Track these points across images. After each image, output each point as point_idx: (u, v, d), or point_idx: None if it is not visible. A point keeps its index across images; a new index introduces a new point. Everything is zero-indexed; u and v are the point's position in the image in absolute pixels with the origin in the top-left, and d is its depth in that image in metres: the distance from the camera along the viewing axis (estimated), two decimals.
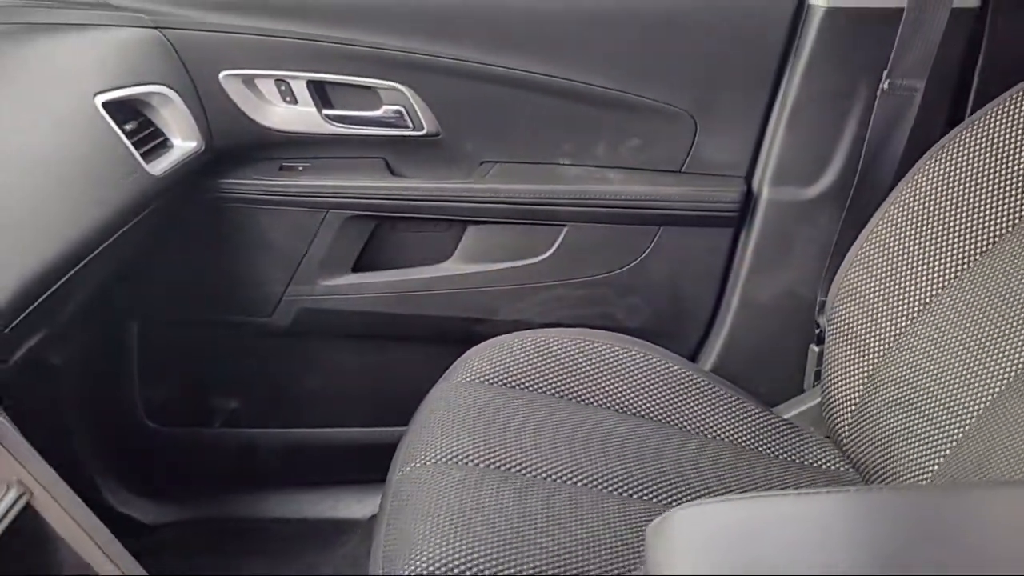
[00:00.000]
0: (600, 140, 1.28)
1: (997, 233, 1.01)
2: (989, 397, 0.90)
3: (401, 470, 0.99)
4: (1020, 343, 0.89)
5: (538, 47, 1.22)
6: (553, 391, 1.09)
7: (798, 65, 1.19)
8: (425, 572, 0.81)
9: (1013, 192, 1.01)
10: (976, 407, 0.90)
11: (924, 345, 1.00)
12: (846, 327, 1.10)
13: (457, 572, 0.81)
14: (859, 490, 1.01)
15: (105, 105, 1.04)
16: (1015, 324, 0.91)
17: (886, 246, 1.08)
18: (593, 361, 1.13)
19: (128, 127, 1.08)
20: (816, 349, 1.24)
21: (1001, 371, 0.91)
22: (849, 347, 1.09)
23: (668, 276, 1.33)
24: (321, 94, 1.26)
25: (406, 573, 0.82)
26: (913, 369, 0.99)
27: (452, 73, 1.23)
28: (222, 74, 1.21)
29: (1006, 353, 0.90)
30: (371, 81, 1.24)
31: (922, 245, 1.05)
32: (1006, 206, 1.02)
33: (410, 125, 1.26)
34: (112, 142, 1.03)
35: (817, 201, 1.25)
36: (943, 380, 0.96)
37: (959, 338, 0.96)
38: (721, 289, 1.33)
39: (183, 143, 1.18)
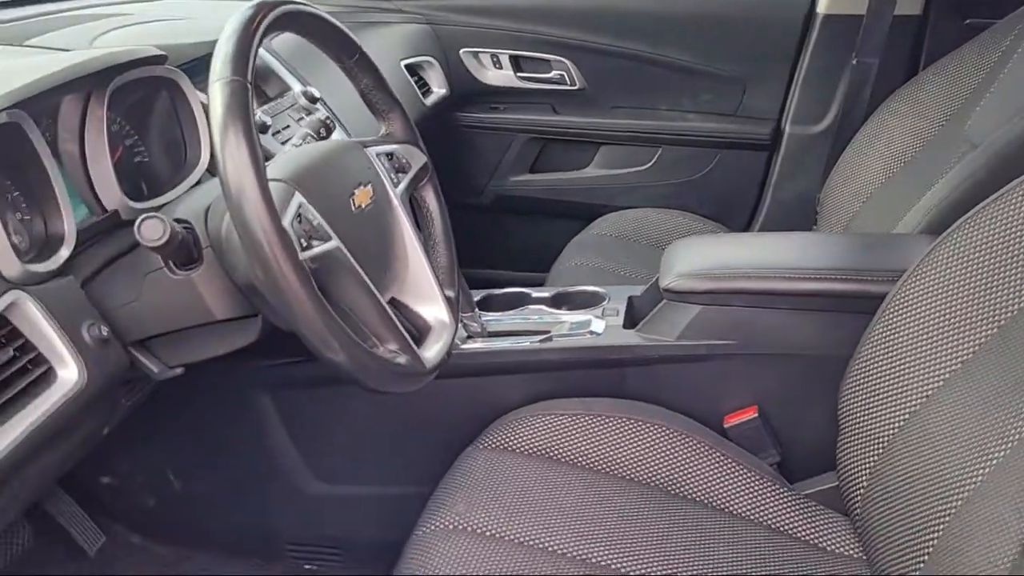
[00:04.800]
0: (685, 94, 2.07)
1: (918, 145, 1.68)
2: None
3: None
4: None
5: (649, 36, 2.02)
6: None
7: (807, 49, 1.94)
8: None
9: (932, 113, 1.66)
10: None
11: None
12: (830, 211, 1.82)
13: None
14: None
15: (405, 66, 1.91)
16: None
17: (854, 161, 1.80)
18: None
19: (413, 79, 1.95)
20: (815, 227, 1.98)
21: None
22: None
23: (726, 181, 2.10)
24: (516, 63, 2.10)
25: None
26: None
27: (595, 52, 2.05)
28: (461, 51, 2.08)
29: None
30: (546, 56, 2.08)
31: (877, 160, 1.75)
32: (927, 123, 1.65)
33: (568, 83, 2.09)
34: (410, 87, 1.90)
35: (819, 135, 1.98)
36: None
37: None
38: (760, 190, 2.08)
39: (438, 90, 2.05)
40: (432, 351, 0.96)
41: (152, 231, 0.82)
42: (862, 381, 1.13)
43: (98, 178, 1.00)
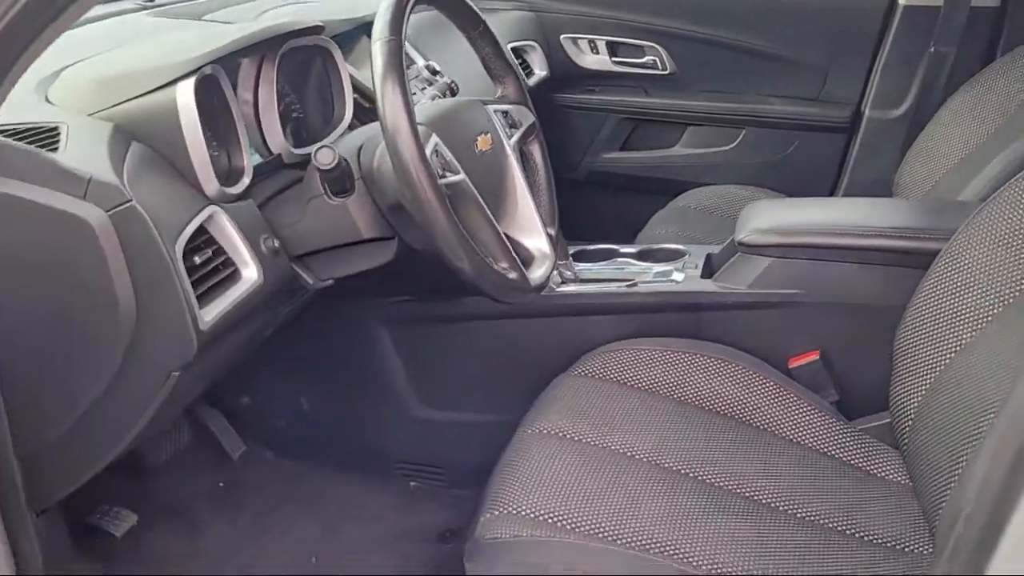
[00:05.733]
0: (769, 79, 2.21)
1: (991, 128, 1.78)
2: None
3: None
4: None
5: (736, 24, 2.18)
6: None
7: (888, 37, 2.06)
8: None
9: (1004, 99, 1.77)
10: None
11: None
12: (904, 191, 1.95)
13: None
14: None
15: (511, 50, 2.11)
16: None
17: (928, 143, 1.91)
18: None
19: (518, 62, 2.15)
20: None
21: None
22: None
23: (806, 162, 2.23)
24: (612, 49, 2.28)
25: None
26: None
27: (686, 39, 2.21)
28: (562, 36, 2.27)
29: None
30: (639, 42, 2.25)
31: (950, 143, 1.85)
32: (998, 108, 1.76)
33: (660, 67, 2.26)
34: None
35: (897, 119, 2.10)
36: None
37: None
38: (838, 172, 2.21)
39: (540, 72, 2.24)
40: (536, 273, 1.16)
41: (325, 156, 1.04)
42: (914, 328, 1.27)
43: (267, 127, 1.22)
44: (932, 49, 1.96)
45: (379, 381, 1.65)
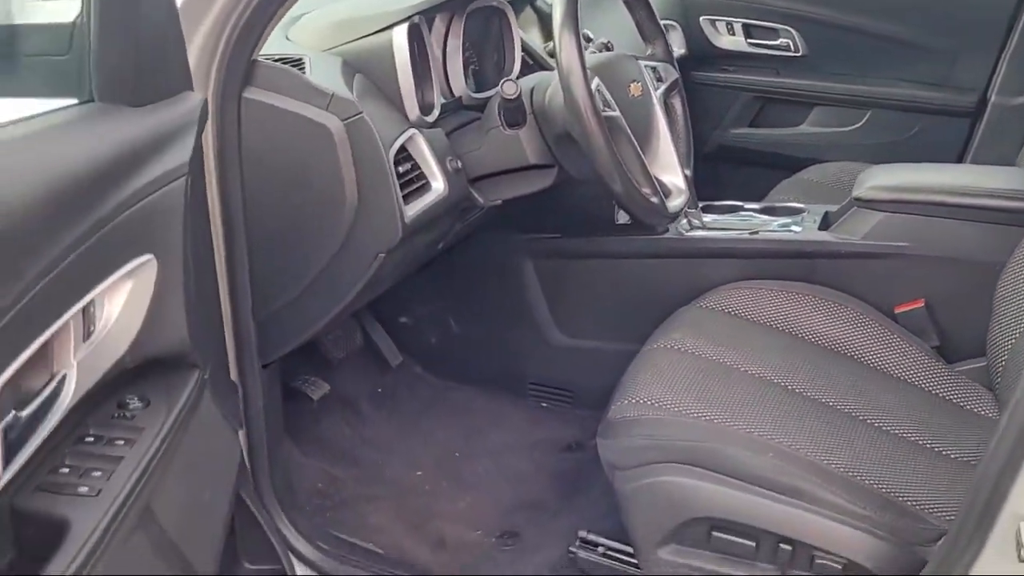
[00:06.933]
0: (896, 64, 2.33)
1: None
2: None
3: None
4: None
5: (869, 10, 2.30)
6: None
7: (1017, 25, 2.15)
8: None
9: None
10: None
11: None
12: None
13: None
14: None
15: None
16: None
17: None
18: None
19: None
20: None
21: None
22: None
23: (929, 146, 2.32)
24: (747, 31, 2.44)
25: None
26: None
27: (819, 23, 2.35)
28: (701, 17, 2.45)
29: None
30: (774, 25, 2.40)
31: None
32: None
33: (792, 50, 2.40)
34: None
35: (1022, 106, 2.19)
36: None
37: None
38: (959, 157, 2.30)
39: (678, 50, 2.42)
40: (674, 203, 1.36)
41: (510, 88, 1.28)
42: (1013, 278, 1.40)
43: (452, 73, 1.47)
44: None
45: (521, 308, 1.88)
